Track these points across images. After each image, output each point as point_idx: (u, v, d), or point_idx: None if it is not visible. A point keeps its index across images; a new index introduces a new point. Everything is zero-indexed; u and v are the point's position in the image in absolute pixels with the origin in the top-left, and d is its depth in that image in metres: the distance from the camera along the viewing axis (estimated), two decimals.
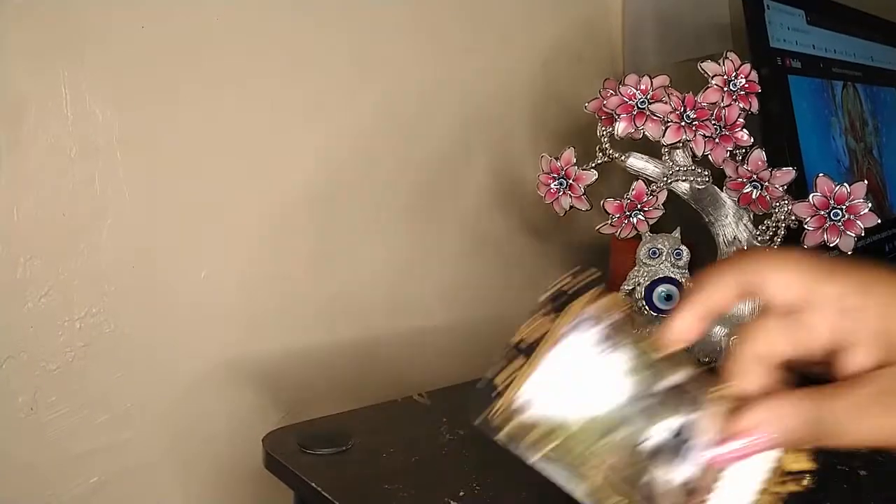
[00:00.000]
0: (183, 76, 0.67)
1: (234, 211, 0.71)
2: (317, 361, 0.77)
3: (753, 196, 0.70)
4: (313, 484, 0.51)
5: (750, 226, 0.74)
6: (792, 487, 0.33)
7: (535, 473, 0.53)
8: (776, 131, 0.78)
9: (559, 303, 0.35)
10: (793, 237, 0.70)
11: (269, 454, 0.56)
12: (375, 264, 0.81)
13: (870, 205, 0.66)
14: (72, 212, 0.63)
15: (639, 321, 0.32)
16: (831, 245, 0.67)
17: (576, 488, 0.34)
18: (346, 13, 0.76)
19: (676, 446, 0.33)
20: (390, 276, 0.82)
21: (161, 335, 0.68)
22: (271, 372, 0.74)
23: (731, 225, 0.75)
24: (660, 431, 0.33)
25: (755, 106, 0.71)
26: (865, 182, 0.67)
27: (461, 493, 0.50)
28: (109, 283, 0.65)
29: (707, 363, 0.75)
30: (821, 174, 0.67)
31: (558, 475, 0.34)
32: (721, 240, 0.75)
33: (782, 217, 0.69)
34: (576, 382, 0.33)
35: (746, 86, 0.71)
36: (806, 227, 0.68)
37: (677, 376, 0.34)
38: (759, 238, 0.71)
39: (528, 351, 0.34)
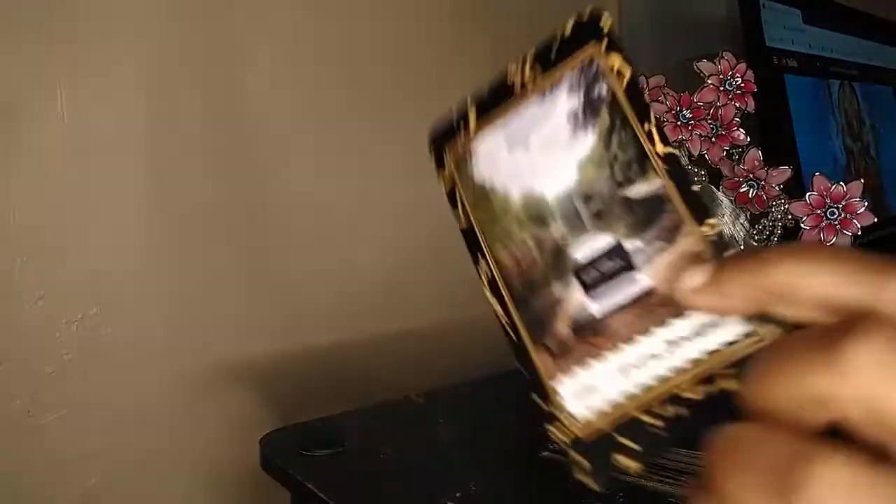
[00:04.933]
0: (181, 77, 0.67)
1: (232, 213, 0.71)
2: (314, 362, 0.77)
3: (750, 195, 0.70)
4: (310, 485, 0.51)
5: (747, 225, 0.74)
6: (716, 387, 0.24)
7: (532, 475, 0.53)
8: (773, 130, 0.78)
9: (551, 55, 0.28)
10: (789, 236, 0.70)
11: (266, 455, 0.56)
12: (372, 264, 0.81)
13: (866, 203, 0.66)
14: (68, 214, 0.63)
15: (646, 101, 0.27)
16: (828, 244, 0.67)
17: (477, 265, 0.30)
18: (345, 13, 0.76)
19: (612, 272, 0.26)
20: (387, 276, 0.82)
21: (158, 337, 0.68)
22: (268, 373, 0.74)
23: (727, 224, 0.75)
24: (602, 244, 0.26)
25: (752, 105, 0.71)
26: (862, 181, 0.67)
27: (458, 494, 0.49)
28: (106, 284, 0.65)
29: None
30: (817, 173, 0.67)
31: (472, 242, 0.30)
32: None
33: (779, 216, 0.69)
34: (532, 152, 0.28)
35: (743, 85, 0.71)
36: (802, 225, 0.68)
37: (658, 184, 0.25)
38: (756, 237, 0.71)
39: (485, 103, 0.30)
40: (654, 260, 0.25)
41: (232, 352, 0.72)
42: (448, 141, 0.32)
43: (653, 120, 0.26)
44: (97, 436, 0.66)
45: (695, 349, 0.24)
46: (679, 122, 0.70)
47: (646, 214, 0.26)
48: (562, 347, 0.27)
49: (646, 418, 0.24)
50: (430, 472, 0.54)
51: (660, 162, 0.25)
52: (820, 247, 0.21)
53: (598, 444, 0.25)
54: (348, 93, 0.77)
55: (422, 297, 0.85)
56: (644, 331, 0.25)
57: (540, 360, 0.27)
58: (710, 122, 0.71)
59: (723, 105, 0.71)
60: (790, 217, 0.69)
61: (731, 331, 0.23)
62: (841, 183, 0.67)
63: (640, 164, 0.26)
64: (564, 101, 0.28)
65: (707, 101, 0.71)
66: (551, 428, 0.26)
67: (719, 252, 0.24)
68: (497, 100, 0.29)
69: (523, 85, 0.29)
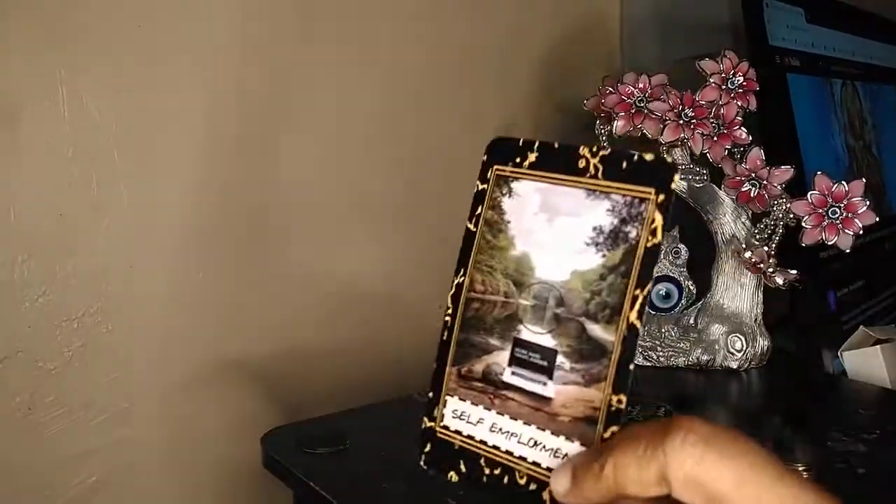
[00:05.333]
0: (180, 76, 0.67)
1: (231, 211, 0.71)
2: (316, 360, 0.77)
3: (752, 194, 0.70)
4: (312, 483, 0.51)
5: (748, 224, 0.74)
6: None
7: None
8: (775, 129, 0.78)
9: (621, 166, 0.30)
10: (791, 235, 0.70)
11: (268, 453, 0.56)
12: (374, 263, 0.81)
13: (868, 203, 0.66)
14: (69, 212, 0.63)
15: None
16: (829, 243, 0.67)
17: (458, 273, 0.33)
18: (345, 15, 0.76)
19: (536, 366, 0.30)
20: (389, 274, 0.82)
21: (159, 335, 0.68)
22: (270, 371, 0.74)
23: (729, 223, 0.75)
24: (544, 342, 0.30)
25: (753, 104, 0.71)
26: (864, 180, 0.67)
27: (460, 492, 0.49)
28: (107, 282, 0.65)
29: (707, 364, 0.75)
30: (819, 172, 0.67)
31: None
32: (719, 238, 0.75)
33: (780, 215, 0.69)
34: (552, 229, 0.31)
35: (745, 84, 0.71)
36: (804, 225, 0.68)
37: (611, 341, 0.29)
38: (758, 236, 0.71)
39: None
40: (566, 385, 0.29)
41: (233, 350, 0.72)
42: (502, 156, 0.33)
43: (645, 292, 0.28)
44: (97, 434, 0.66)
45: (543, 458, 0.29)
46: (681, 121, 0.70)
47: (587, 351, 0.29)
48: (468, 379, 0.32)
49: (483, 464, 0.31)
50: None
51: (624, 326, 0.28)
52: (628, 440, 0.27)
53: (444, 447, 0.32)
54: (348, 94, 0.77)
55: (424, 296, 0.85)
56: (526, 419, 0.30)
57: (449, 372, 0.33)
58: (712, 120, 0.70)
59: (725, 104, 0.71)
60: (792, 216, 0.69)
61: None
62: (843, 182, 0.67)
63: (612, 314, 0.29)
64: (600, 214, 0.30)
65: (709, 100, 0.70)
66: (426, 418, 0.33)
67: (611, 421, 0.28)
68: (557, 161, 0.31)
69: (583, 169, 0.31)
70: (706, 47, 0.80)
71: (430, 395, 0.33)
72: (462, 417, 0.32)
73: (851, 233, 0.67)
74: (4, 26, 0.59)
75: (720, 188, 0.73)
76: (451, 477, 0.32)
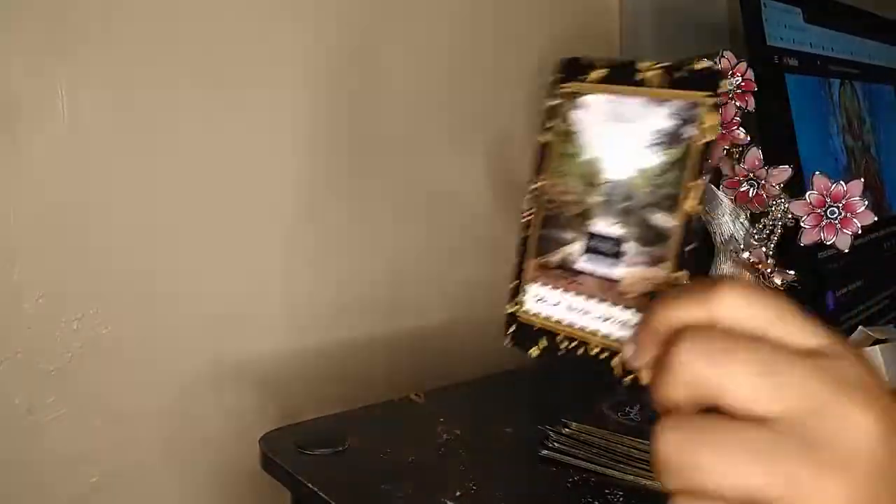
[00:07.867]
0: (180, 77, 0.67)
1: (231, 212, 0.71)
2: (314, 362, 0.77)
3: (750, 194, 0.70)
4: (310, 484, 0.51)
5: (746, 224, 0.74)
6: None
7: (532, 474, 0.53)
8: (773, 129, 0.78)
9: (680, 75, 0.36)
10: (789, 235, 0.70)
11: (266, 455, 0.56)
12: (373, 264, 0.81)
13: (867, 202, 0.66)
14: (68, 213, 0.63)
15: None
16: (828, 243, 0.67)
17: (535, 180, 0.38)
18: (344, 16, 0.76)
19: (606, 252, 0.36)
20: (388, 276, 0.82)
21: (158, 336, 0.68)
22: (269, 372, 0.74)
23: (727, 223, 0.74)
24: (613, 231, 0.36)
25: (752, 104, 0.71)
26: (862, 180, 0.67)
27: (458, 493, 0.50)
28: (107, 283, 0.65)
29: None
30: (817, 172, 0.67)
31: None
32: (717, 238, 0.75)
33: (779, 215, 0.69)
34: (618, 134, 0.37)
35: (743, 84, 0.71)
36: (803, 225, 0.68)
37: (671, 226, 0.34)
38: (756, 236, 0.71)
39: None
40: (633, 266, 0.35)
41: (232, 351, 0.72)
42: (571, 74, 0.39)
43: (699, 183, 0.34)
44: (97, 435, 0.66)
45: (614, 329, 0.34)
46: None
47: (651, 237, 0.35)
48: (546, 267, 0.37)
49: (560, 339, 0.36)
50: (429, 471, 0.54)
51: (683, 214, 0.34)
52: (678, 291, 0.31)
53: (526, 328, 0.37)
54: (347, 93, 0.77)
55: (422, 298, 0.85)
56: (599, 298, 0.35)
57: (529, 263, 0.38)
58: None
59: (723, 104, 0.71)
60: (790, 216, 0.69)
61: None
62: (841, 182, 0.67)
63: (671, 203, 0.34)
64: (661, 118, 0.35)
65: None
66: (508, 305, 0.37)
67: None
68: (620, 76, 0.37)
69: (644, 81, 0.36)
70: (704, 47, 0.80)
71: (513, 284, 0.38)
72: (542, 301, 0.37)
73: (850, 233, 0.67)
74: (5, 27, 0.59)
75: (718, 188, 0.74)
76: (532, 352, 0.36)
